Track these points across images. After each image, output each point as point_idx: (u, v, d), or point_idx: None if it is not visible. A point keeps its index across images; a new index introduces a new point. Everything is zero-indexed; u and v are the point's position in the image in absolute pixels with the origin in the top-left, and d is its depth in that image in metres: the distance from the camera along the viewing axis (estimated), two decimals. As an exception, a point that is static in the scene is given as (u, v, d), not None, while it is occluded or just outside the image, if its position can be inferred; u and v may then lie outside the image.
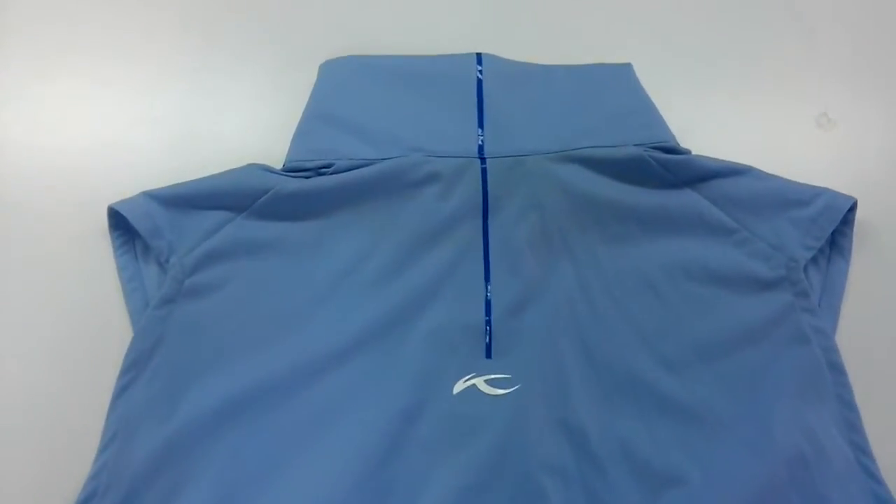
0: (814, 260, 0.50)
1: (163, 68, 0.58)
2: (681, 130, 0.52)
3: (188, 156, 0.55)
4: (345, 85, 0.53)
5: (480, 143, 0.51)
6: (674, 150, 0.51)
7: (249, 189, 0.49)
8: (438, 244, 0.49)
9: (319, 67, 0.54)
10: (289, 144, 0.52)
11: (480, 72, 0.53)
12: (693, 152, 0.52)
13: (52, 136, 0.56)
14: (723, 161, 0.51)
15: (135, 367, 0.46)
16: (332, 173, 0.49)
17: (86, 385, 0.49)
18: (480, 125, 0.51)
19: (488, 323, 0.48)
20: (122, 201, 0.50)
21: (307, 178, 0.50)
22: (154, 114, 0.57)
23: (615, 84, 0.53)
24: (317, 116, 0.52)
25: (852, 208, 0.51)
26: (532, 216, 0.50)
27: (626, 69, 0.54)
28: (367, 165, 0.49)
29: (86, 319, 0.51)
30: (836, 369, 0.47)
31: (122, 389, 0.46)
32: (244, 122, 0.57)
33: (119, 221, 0.50)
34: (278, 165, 0.51)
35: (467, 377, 0.47)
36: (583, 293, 0.49)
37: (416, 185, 0.49)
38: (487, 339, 0.48)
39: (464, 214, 0.49)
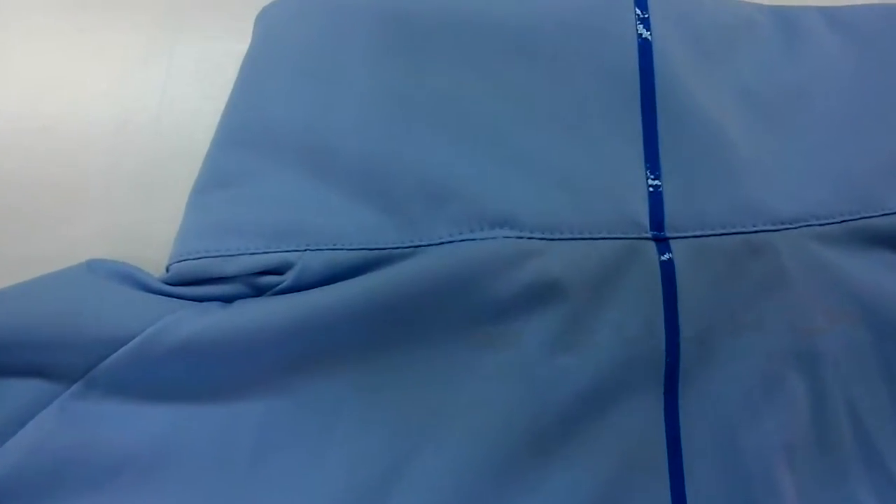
0: None
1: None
2: None
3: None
4: (313, 60, 0.26)
5: (652, 194, 0.25)
6: None
7: (88, 330, 0.24)
8: (554, 457, 0.24)
9: (255, 21, 0.28)
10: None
11: (645, 21, 0.26)
12: None
13: None
14: None
15: None
16: (288, 289, 0.24)
17: None
18: (652, 157, 0.25)
19: None
20: None
21: (228, 300, 0.24)
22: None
23: None
24: (245, 142, 0.26)
25: None
26: (790, 379, 0.25)
27: None
28: (376, 265, 0.24)
29: None
30: None
31: None
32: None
33: None
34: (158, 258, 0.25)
35: None
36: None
37: (502, 313, 0.24)
38: None
39: (620, 385, 0.24)
